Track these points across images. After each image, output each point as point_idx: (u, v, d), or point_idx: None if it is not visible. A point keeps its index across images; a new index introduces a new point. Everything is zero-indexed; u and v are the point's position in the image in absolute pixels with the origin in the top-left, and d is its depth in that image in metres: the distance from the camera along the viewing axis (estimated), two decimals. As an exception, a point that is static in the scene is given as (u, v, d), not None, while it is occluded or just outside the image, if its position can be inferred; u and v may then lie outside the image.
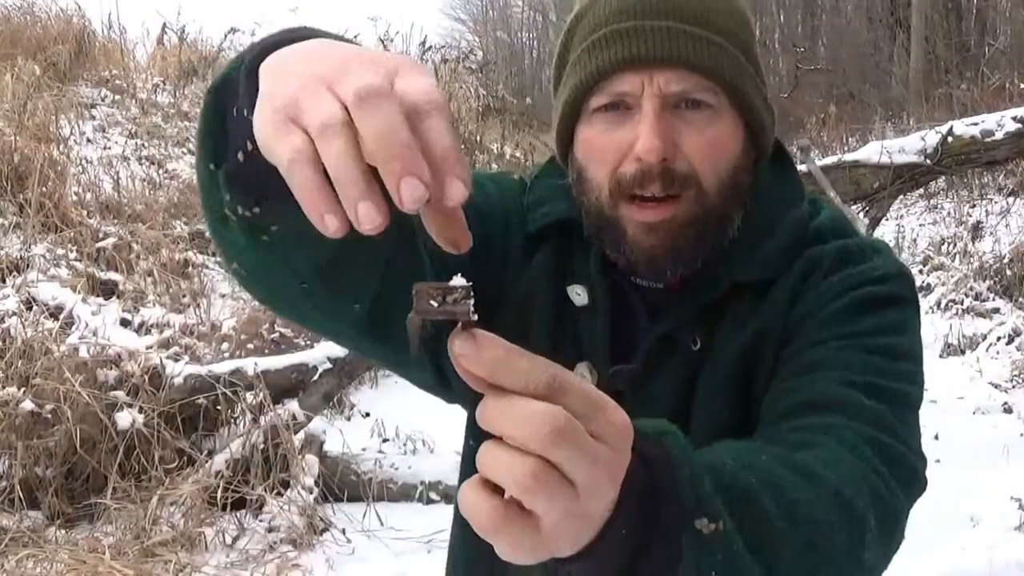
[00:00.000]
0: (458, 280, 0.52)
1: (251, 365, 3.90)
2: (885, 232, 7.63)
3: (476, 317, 0.52)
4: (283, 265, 0.74)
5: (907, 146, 5.17)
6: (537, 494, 0.50)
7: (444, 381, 0.98)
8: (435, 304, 0.51)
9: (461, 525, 1.03)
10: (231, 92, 0.65)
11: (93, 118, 6.98)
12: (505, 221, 0.99)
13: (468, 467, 1.03)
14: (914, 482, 0.80)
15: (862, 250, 0.94)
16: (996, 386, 5.39)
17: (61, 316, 3.99)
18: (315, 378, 4.15)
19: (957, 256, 7.44)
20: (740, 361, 0.91)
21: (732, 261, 0.93)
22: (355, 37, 10.82)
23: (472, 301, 0.52)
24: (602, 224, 0.91)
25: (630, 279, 0.96)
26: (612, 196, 0.89)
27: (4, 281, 4.45)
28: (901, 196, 6.07)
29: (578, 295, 0.96)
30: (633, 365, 0.94)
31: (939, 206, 8.73)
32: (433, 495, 3.89)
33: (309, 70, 0.54)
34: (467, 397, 1.01)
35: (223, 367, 3.89)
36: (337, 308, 0.82)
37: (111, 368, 3.75)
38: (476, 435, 0.99)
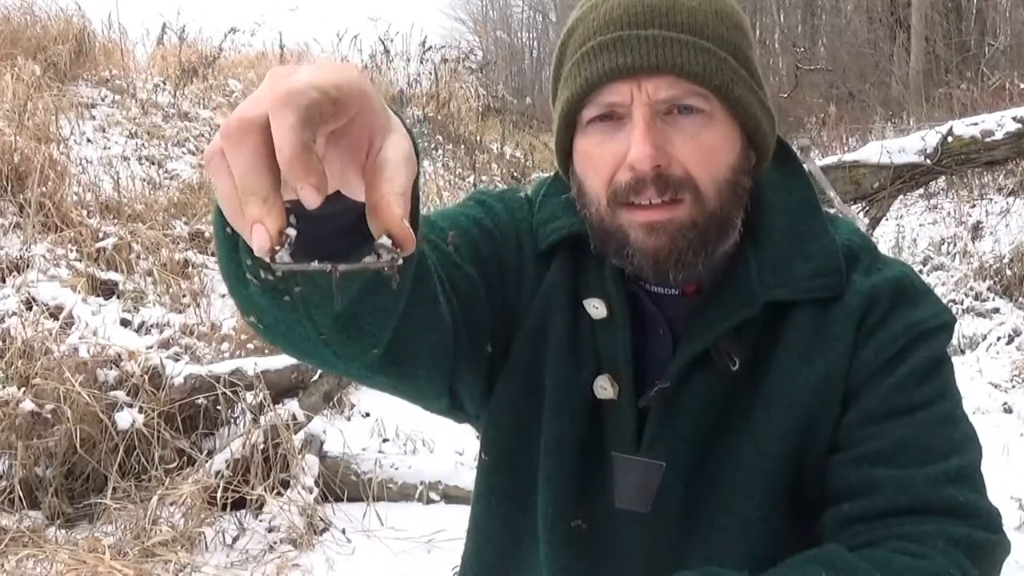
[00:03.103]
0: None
1: (251, 365, 3.89)
2: (885, 232, 7.61)
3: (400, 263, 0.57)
4: (303, 320, 0.74)
5: (907, 146, 5.17)
6: None
7: (458, 405, 0.98)
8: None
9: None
10: None
11: (93, 118, 6.96)
12: (517, 242, 0.99)
13: (483, 482, 1.03)
14: (998, 563, 0.89)
15: (915, 289, 0.95)
16: (996, 386, 5.38)
17: (61, 316, 3.98)
18: (315, 378, 4.15)
19: (957, 256, 7.42)
20: (811, 401, 0.91)
21: (761, 276, 0.93)
22: (355, 37, 10.83)
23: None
24: (605, 235, 0.91)
25: (645, 288, 0.95)
26: (610, 206, 0.89)
27: (4, 281, 4.45)
28: (901, 196, 6.06)
29: (595, 308, 0.95)
30: (667, 384, 0.93)
31: (939, 206, 8.71)
32: (433, 495, 3.89)
33: None
34: (481, 418, 1.01)
35: (223, 367, 3.89)
36: (355, 353, 0.81)
37: (111, 368, 3.74)
38: (491, 451, 1.00)
